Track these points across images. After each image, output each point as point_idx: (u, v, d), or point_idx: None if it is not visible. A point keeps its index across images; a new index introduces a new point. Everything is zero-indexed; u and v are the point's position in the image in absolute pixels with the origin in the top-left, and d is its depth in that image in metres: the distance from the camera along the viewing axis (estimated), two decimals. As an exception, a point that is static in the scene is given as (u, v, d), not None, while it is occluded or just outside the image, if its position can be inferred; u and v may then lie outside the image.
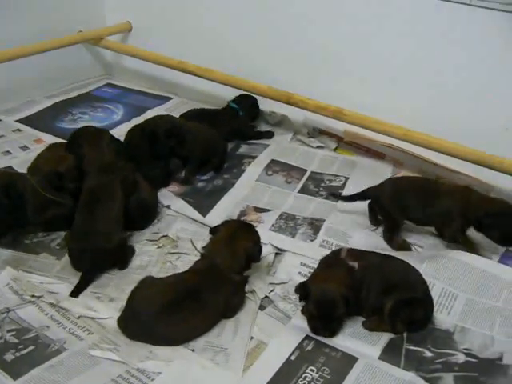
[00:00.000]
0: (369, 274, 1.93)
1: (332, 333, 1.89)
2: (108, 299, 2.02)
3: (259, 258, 2.06)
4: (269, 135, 3.03)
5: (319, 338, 1.89)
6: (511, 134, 2.44)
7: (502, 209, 2.17)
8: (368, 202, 2.39)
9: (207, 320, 1.91)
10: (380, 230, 2.37)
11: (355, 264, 1.94)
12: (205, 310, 1.88)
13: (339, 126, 2.87)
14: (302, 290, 1.92)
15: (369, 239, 2.32)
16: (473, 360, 1.84)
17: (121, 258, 2.17)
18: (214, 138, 2.74)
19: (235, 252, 1.96)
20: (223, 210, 2.47)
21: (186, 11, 3.27)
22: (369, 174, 2.71)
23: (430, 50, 2.55)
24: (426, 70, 2.58)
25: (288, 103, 2.80)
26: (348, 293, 1.85)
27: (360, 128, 2.71)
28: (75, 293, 2.03)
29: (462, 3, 2.37)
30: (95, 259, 2.09)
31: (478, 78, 2.46)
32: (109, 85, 3.70)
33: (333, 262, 1.98)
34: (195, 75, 3.10)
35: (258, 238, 2.05)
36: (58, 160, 2.37)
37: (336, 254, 2.03)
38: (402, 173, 2.72)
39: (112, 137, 2.52)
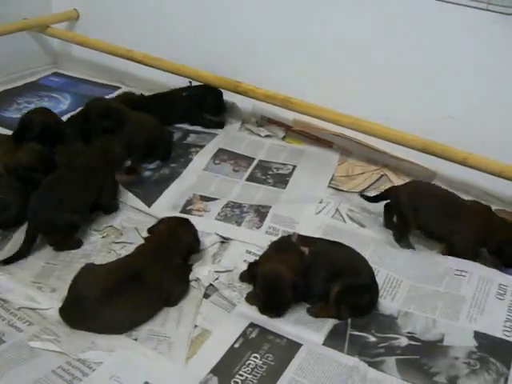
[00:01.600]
0: (317, 259, 1.93)
1: (278, 315, 1.89)
2: (50, 289, 1.99)
3: (199, 249, 2.08)
4: (219, 125, 3.00)
5: (263, 325, 1.88)
6: (455, 121, 2.46)
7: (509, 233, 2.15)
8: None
9: (151, 304, 1.89)
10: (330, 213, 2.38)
11: (306, 249, 1.94)
12: (148, 293, 1.86)
13: (288, 115, 2.86)
14: (251, 271, 1.92)
15: (316, 225, 2.31)
16: (415, 343, 1.86)
17: (64, 239, 2.14)
18: (156, 126, 2.71)
19: (178, 246, 1.99)
20: (169, 200, 2.45)
21: (133, -1, 3.22)
22: (316, 162, 2.72)
23: (370, 35, 2.55)
24: (373, 58, 2.58)
25: (236, 92, 2.79)
26: (297, 277, 1.85)
27: (309, 117, 2.70)
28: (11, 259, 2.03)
29: None
30: (40, 227, 2.09)
31: (422, 66, 2.48)
32: (56, 74, 3.62)
33: (283, 246, 1.98)
34: (143, 64, 3.06)
35: (195, 230, 2.08)
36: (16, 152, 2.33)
37: (287, 238, 2.03)
38: (350, 161, 2.73)
39: None
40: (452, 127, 2.46)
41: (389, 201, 2.31)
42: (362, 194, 2.40)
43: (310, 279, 1.91)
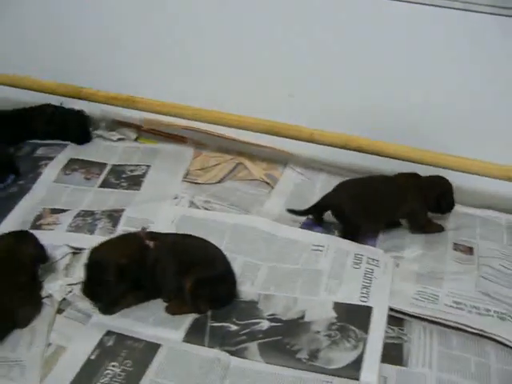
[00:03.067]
0: (163, 254, 1.87)
1: (106, 309, 1.85)
2: None
3: (46, 258, 1.97)
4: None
5: (120, 331, 1.81)
6: (295, 100, 2.47)
7: (443, 184, 2.24)
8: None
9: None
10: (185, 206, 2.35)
11: (151, 243, 1.88)
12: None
13: (137, 115, 2.79)
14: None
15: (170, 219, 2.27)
16: (277, 324, 1.85)
17: None
18: None
19: (20, 262, 1.88)
20: (18, 217, 2.31)
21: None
22: (171, 159, 2.66)
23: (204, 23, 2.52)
24: (213, 46, 2.55)
25: (79, 98, 2.68)
26: (126, 263, 1.80)
27: (158, 114, 2.64)
28: None
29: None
30: None
31: (252, 52, 2.47)
32: None
33: (125, 238, 1.93)
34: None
35: (35, 238, 1.97)
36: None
37: (133, 233, 1.98)
38: (205, 153, 2.70)
39: None
40: (294, 106, 2.46)
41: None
42: (289, 210, 2.29)
43: (160, 274, 1.86)
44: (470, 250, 2.20)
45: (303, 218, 2.31)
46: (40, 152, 2.77)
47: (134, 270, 1.83)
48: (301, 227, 2.27)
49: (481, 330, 1.83)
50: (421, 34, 2.20)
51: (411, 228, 2.26)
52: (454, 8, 2.11)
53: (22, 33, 2.86)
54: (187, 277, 1.84)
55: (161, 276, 1.86)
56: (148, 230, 2.02)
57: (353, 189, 2.21)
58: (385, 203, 2.19)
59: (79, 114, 2.78)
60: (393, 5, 2.16)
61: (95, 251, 1.85)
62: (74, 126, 2.76)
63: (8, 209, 2.36)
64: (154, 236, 1.93)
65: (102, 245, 1.88)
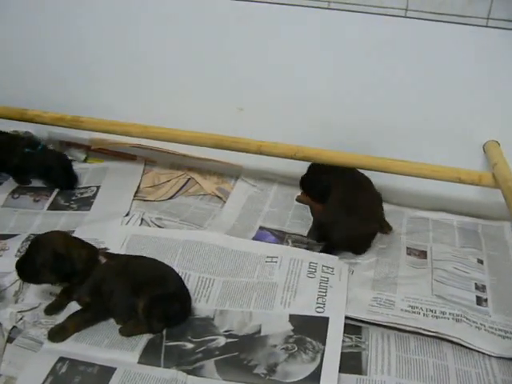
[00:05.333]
0: (112, 275, 1.84)
1: (54, 337, 1.83)
2: None
3: None
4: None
5: (73, 356, 1.77)
6: (245, 113, 2.47)
7: None
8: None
9: None
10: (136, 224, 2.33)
11: (103, 259, 1.87)
12: None
13: (85, 135, 2.74)
14: None
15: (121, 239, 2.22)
16: (233, 340, 1.83)
17: None
18: None
19: None
20: (-36, 246, 2.25)
21: None
22: (120, 177, 2.63)
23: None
24: (154, 68, 2.53)
25: (23, 120, 2.62)
26: (64, 260, 1.79)
27: (104, 133, 2.60)
28: None
29: None
30: None
31: (200, 67, 2.46)
32: None
33: (83, 242, 1.91)
34: None
35: None
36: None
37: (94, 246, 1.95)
38: (155, 170, 2.67)
39: None
40: (243, 119, 2.46)
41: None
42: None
43: (108, 294, 1.82)
44: (423, 254, 2.21)
45: (255, 231, 2.30)
46: (-14, 177, 2.70)
47: (68, 268, 1.80)
48: (253, 238, 2.26)
49: (437, 333, 1.83)
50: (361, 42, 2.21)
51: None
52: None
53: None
54: (140, 297, 1.81)
55: (108, 296, 1.82)
56: (108, 251, 1.97)
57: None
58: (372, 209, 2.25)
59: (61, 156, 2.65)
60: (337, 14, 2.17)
61: (48, 233, 1.86)
62: (57, 170, 2.58)
63: (-46, 237, 2.30)
64: (109, 256, 1.91)
65: (59, 232, 1.89)
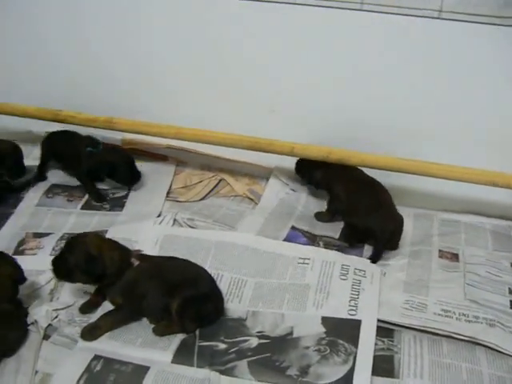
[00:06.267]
0: (145, 277, 1.86)
1: (86, 336, 1.86)
2: None
3: (24, 279, 1.93)
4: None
5: (108, 355, 1.79)
6: (277, 115, 2.47)
7: None
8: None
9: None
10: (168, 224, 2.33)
11: (136, 262, 1.88)
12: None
13: (118, 136, 2.77)
14: None
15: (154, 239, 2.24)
16: (265, 341, 1.84)
17: None
18: None
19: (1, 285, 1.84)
20: (0, 244, 2.28)
21: None
22: (152, 178, 2.64)
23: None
24: (188, 70, 2.54)
25: (57, 121, 2.65)
26: (96, 261, 1.82)
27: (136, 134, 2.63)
28: None
29: None
30: None
31: (233, 70, 2.47)
32: None
33: (117, 243, 1.93)
34: None
35: (13, 258, 1.95)
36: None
37: (128, 247, 1.98)
38: (187, 171, 2.68)
39: None
40: (275, 121, 2.47)
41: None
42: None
43: (144, 297, 1.84)
44: (455, 257, 2.20)
45: (286, 232, 2.30)
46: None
47: (100, 270, 1.83)
48: (285, 239, 2.27)
49: (471, 337, 1.82)
50: (398, 45, 2.20)
51: None
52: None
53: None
54: (173, 298, 1.82)
55: (141, 298, 1.84)
56: (141, 253, 1.99)
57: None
58: None
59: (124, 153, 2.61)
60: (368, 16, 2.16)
61: (83, 234, 1.91)
62: (122, 167, 2.55)
63: (-10, 235, 2.34)
64: (142, 257, 1.93)
65: (94, 234, 1.94)
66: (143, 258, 1.95)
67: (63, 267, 1.85)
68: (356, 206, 2.22)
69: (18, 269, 1.92)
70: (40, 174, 2.66)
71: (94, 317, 1.92)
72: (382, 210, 2.18)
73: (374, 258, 2.14)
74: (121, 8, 2.47)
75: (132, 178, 2.58)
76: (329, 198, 2.37)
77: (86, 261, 1.81)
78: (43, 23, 2.62)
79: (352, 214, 2.24)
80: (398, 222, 2.20)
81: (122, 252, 1.89)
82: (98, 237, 1.93)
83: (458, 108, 2.25)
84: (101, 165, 2.53)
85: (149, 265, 1.90)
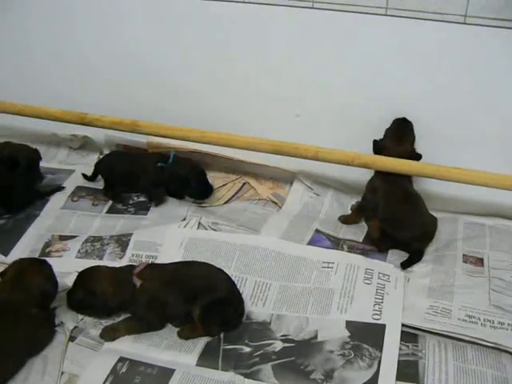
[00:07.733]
0: (157, 288, 1.88)
1: (104, 336, 1.91)
2: None
3: (55, 293, 1.95)
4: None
5: (133, 357, 1.81)
6: (302, 119, 2.48)
7: None
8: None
9: (7, 361, 1.75)
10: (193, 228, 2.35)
11: (138, 282, 1.88)
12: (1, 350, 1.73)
13: (142, 139, 2.79)
14: None
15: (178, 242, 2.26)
16: (290, 345, 1.85)
17: None
18: None
19: (27, 289, 1.86)
20: (27, 245, 2.32)
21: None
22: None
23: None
24: (213, 74, 2.55)
25: (83, 124, 2.68)
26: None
27: (161, 138, 2.64)
28: None
29: None
30: None
31: (258, 74, 2.47)
32: None
33: (118, 273, 1.93)
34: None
35: (51, 272, 1.95)
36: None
37: (128, 267, 1.98)
38: (211, 174, 2.69)
39: None
40: (300, 125, 2.47)
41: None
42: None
43: (164, 308, 1.87)
44: (480, 262, 2.18)
45: (310, 235, 2.31)
46: (45, 180, 2.75)
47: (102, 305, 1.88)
48: (309, 242, 2.27)
49: (496, 344, 1.80)
50: (415, 47, 2.20)
51: None
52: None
53: (24, 60, 2.87)
54: (195, 302, 1.84)
55: (162, 308, 1.86)
56: (146, 264, 1.99)
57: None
58: None
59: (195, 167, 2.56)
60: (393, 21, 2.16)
61: (88, 270, 1.93)
62: (193, 181, 2.50)
63: (16, 237, 2.38)
64: (153, 267, 1.95)
65: (96, 269, 1.94)
66: (153, 267, 1.97)
67: (74, 302, 1.92)
68: (396, 216, 2.22)
69: (50, 281, 1.94)
70: (114, 198, 2.60)
71: (118, 319, 1.94)
72: (421, 219, 2.22)
73: (406, 265, 2.14)
74: (156, 12, 2.49)
75: (205, 191, 2.54)
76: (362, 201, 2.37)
77: (87, 297, 1.87)
78: (71, 25, 2.65)
79: (392, 224, 2.22)
80: (433, 233, 2.26)
81: (118, 281, 1.89)
82: (99, 271, 1.93)
83: (481, 112, 2.23)
84: (171, 179, 2.50)
85: (162, 273, 1.91)
